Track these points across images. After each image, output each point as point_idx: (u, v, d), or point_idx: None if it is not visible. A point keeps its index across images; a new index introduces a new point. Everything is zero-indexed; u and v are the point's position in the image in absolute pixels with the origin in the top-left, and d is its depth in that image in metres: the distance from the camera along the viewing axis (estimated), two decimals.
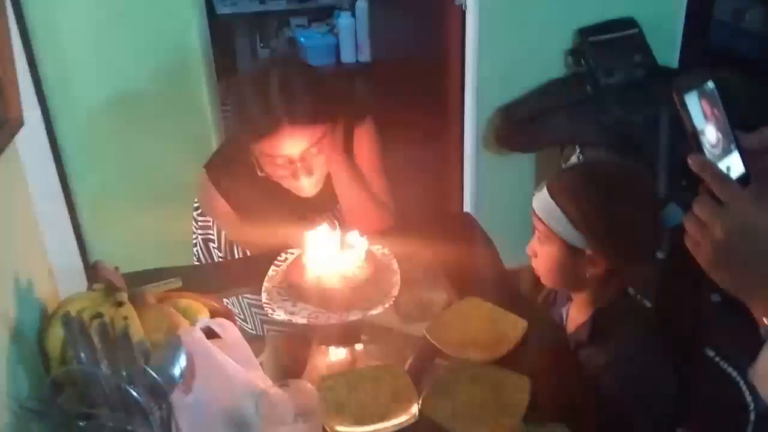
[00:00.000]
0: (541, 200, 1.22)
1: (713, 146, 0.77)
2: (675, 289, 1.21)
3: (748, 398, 1.14)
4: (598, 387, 1.15)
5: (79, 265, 2.20)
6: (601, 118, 2.30)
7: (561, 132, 2.35)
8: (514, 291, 1.41)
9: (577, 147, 2.35)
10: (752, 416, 1.14)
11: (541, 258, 1.26)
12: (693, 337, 1.22)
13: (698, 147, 0.77)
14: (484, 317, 1.26)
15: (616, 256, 1.19)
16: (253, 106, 1.36)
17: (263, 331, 1.59)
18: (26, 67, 1.98)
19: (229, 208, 1.54)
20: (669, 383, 1.17)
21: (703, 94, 0.78)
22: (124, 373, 0.85)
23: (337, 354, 1.28)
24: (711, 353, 1.31)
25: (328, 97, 1.40)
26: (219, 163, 1.57)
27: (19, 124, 1.06)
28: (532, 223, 1.28)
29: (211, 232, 1.68)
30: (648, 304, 1.30)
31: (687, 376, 1.19)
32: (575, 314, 1.31)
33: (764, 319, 0.70)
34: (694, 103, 0.77)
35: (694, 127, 0.76)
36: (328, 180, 1.54)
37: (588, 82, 2.34)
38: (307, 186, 1.46)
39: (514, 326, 1.22)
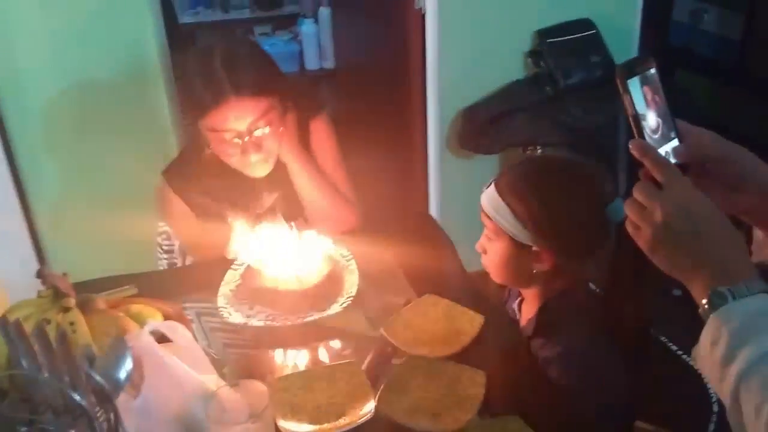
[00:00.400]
0: (489, 196, 1.22)
1: (653, 131, 0.79)
2: (622, 283, 1.19)
3: (711, 390, 1.13)
4: (547, 380, 1.15)
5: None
6: (561, 119, 2.33)
7: (522, 133, 2.37)
8: (471, 288, 1.42)
9: (538, 148, 2.37)
10: (715, 407, 1.14)
11: (490, 254, 1.25)
12: (643, 329, 1.21)
13: (639, 132, 0.78)
14: (441, 314, 1.26)
15: (561, 252, 1.19)
16: (198, 80, 1.36)
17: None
18: None
19: (186, 209, 1.52)
20: (618, 376, 1.16)
21: (645, 80, 0.79)
22: (67, 378, 0.83)
23: (297, 357, 1.27)
24: (673, 347, 1.31)
25: (272, 71, 1.41)
26: (175, 167, 1.57)
27: None
28: None
29: (176, 257, 1.66)
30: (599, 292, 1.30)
31: (641, 368, 1.19)
32: (525, 309, 1.31)
33: (702, 300, 0.71)
34: (636, 88, 0.78)
35: (635, 111, 0.77)
36: (288, 179, 1.53)
37: (547, 84, 2.36)
38: (257, 164, 1.43)
39: (471, 322, 1.22)
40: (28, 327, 1.00)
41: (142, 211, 1.72)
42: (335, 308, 1.28)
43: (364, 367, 1.18)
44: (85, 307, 1.09)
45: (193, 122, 1.41)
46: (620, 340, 1.19)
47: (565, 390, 1.12)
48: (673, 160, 0.78)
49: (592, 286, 1.31)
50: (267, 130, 1.39)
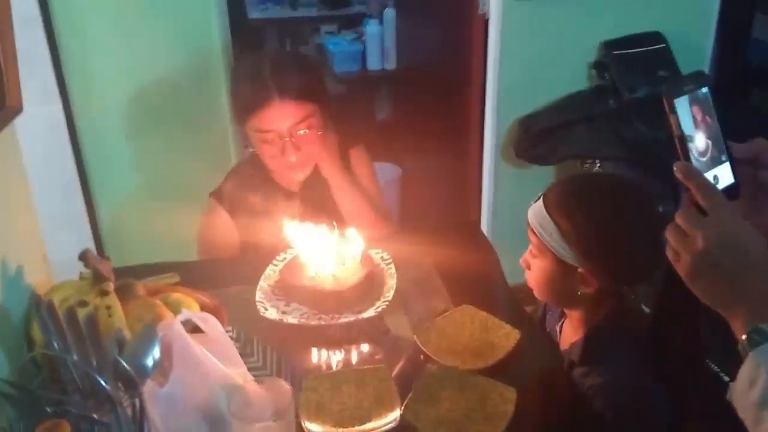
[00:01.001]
0: (536, 211, 1.18)
1: (701, 154, 0.75)
2: (672, 309, 1.12)
3: None
4: (590, 408, 1.11)
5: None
6: (623, 133, 2.26)
7: (581, 146, 2.31)
8: (511, 301, 1.38)
9: (597, 162, 2.31)
10: None
11: (534, 271, 1.21)
12: (693, 356, 1.16)
13: (685, 154, 0.74)
14: (477, 326, 1.24)
15: (609, 276, 1.14)
16: (247, 83, 1.47)
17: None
18: (50, 63, 2.01)
19: (232, 224, 1.60)
20: (662, 406, 1.12)
21: (695, 100, 0.75)
22: (94, 362, 0.84)
23: (328, 357, 1.27)
24: (715, 367, 1.32)
25: (316, 80, 1.52)
26: (221, 185, 1.65)
27: (18, 110, 1.08)
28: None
29: None
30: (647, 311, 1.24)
31: (685, 391, 1.13)
32: (569, 331, 1.26)
33: (742, 336, 0.67)
34: (684, 108, 0.74)
35: (681, 132, 0.74)
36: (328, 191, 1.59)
37: (611, 96, 2.30)
38: (295, 166, 1.50)
39: (507, 336, 1.19)
40: (66, 309, 1.03)
41: (196, 208, 1.75)
42: (370, 312, 1.27)
43: (394, 373, 1.16)
44: (123, 292, 1.11)
45: (240, 124, 1.51)
46: (668, 366, 1.13)
47: (609, 421, 1.08)
48: (722, 185, 0.73)
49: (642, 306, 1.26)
50: (306, 132, 1.47)
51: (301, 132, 1.47)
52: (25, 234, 1.16)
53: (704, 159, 0.73)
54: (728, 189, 0.73)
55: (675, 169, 0.72)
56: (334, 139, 1.58)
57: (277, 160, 1.49)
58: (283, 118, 1.44)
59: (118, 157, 2.23)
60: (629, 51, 2.32)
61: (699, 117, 0.74)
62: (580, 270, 1.13)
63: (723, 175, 0.75)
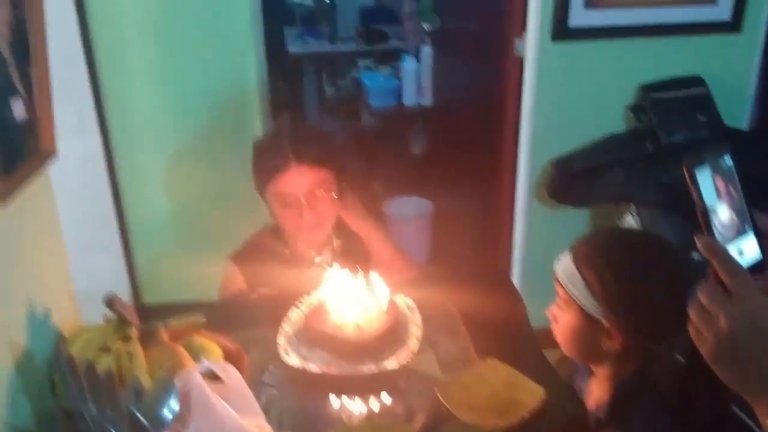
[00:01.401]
0: (564, 263, 1.16)
1: (725, 227, 0.72)
2: (701, 366, 1.09)
3: None
4: None
5: (128, 289, 2.25)
6: (660, 178, 2.21)
7: (616, 189, 2.27)
8: (538, 355, 1.35)
9: (632, 206, 2.26)
10: None
11: (560, 324, 1.19)
12: (723, 409, 1.08)
13: (707, 226, 0.71)
14: (501, 381, 1.21)
15: (634, 333, 1.11)
16: (268, 152, 1.59)
17: None
18: (91, 96, 2.06)
19: (243, 283, 1.66)
20: None
21: (717, 169, 0.73)
22: (110, 413, 0.84)
23: (350, 405, 1.25)
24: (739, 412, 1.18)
25: (330, 150, 1.66)
26: (240, 250, 1.72)
27: (51, 154, 1.10)
28: None
29: None
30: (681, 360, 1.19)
31: None
32: (596, 390, 1.23)
33: (767, 422, 0.64)
34: (706, 178, 0.72)
35: (704, 204, 0.71)
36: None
37: (648, 140, 2.26)
38: (312, 225, 1.58)
39: (532, 394, 1.16)
40: (90, 352, 1.04)
41: (230, 241, 1.77)
42: (393, 363, 1.25)
43: (415, 429, 1.14)
44: (147, 337, 1.11)
45: (261, 192, 1.61)
46: (696, 419, 1.07)
47: None
48: (747, 259, 0.71)
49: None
50: (322, 196, 1.57)
51: (317, 199, 1.56)
52: (54, 276, 1.18)
53: (728, 231, 0.71)
54: (754, 265, 0.71)
55: (697, 243, 0.69)
56: (354, 198, 1.68)
57: (295, 222, 1.57)
58: (300, 181, 1.55)
59: (154, 189, 2.27)
60: (668, 94, 2.29)
61: (722, 187, 0.72)
62: (605, 324, 1.12)
63: (748, 249, 0.72)
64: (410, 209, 3.29)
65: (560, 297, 1.19)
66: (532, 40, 2.28)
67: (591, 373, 1.25)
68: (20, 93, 1.00)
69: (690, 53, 2.35)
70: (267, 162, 1.58)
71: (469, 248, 3.02)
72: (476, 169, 2.83)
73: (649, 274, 1.10)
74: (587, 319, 1.13)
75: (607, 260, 1.11)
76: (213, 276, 1.76)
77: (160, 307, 1.51)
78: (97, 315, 1.32)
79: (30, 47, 1.04)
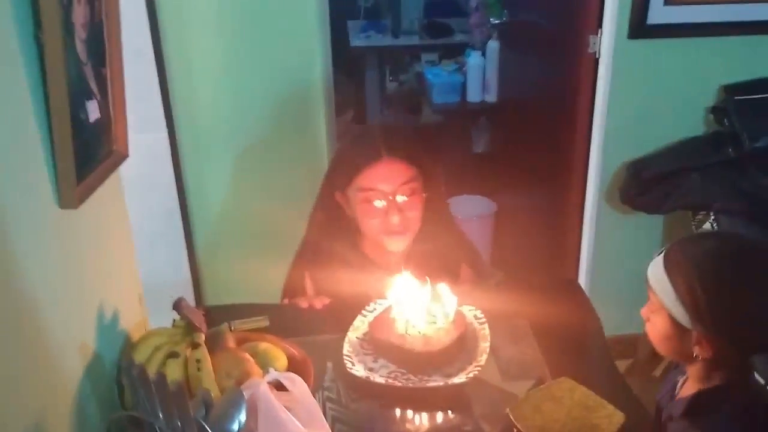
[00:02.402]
0: (655, 268, 1.12)
1: None
2: None
3: None
4: None
5: (189, 286, 2.27)
6: (741, 185, 2.09)
7: (694, 196, 2.16)
8: (614, 374, 1.28)
9: (711, 214, 2.15)
10: None
11: (652, 326, 1.16)
12: None
13: None
14: (575, 402, 1.15)
15: (728, 344, 1.07)
16: (355, 147, 1.56)
17: None
18: (159, 94, 2.07)
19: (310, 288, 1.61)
20: None
21: None
22: (179, 424, 0.83)
23: (415, 419, 1.21)
24: None
25: (419, 147, 1.57)
26: (307, 251, 1.64)
27: (124, 156, 1.09)
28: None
29: None
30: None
31: None
32: (686, 387, 1.19)
33: None
34: None
35: None
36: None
37: (730, 144, 2.13)
38: (397, 229, 1.49)
39: (610, 418, 1.10)
40: (158, 357, 1.03)
41: (291, 238, 1.75)
42: (461, 377, 1.21)
43: None
44: (213, 342, 1.10)
45: (342, 187, 1.53)
46: None
47: None
48: None
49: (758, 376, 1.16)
50: (409, 197, 1.49)
51: (404, 198, 1.48)
52: (123, 278, 1.17)
53: None
54: None
55: None
56: (442, 202, 1.64)
57: (378, 222, 1.50)
58: (390, 176, 1.47)
59: (218, 187, 2.27)
60: (752, 97, 2.16)
61: None
62: (695, 333, 1.08)
63: None
64: (472, 209, 3.22)
65: (651, 300, 1.15)
66: (608, 37, 2.18)
67: (685, 372, 1.20)
68: (95, 95, 0.99)
69: None
70: (356, 155, 1.52)
71: (532, 252, 2.94)
72: (543, 170, 2.75)
73: (743, 283, 1.06)
74: (677, 327, 1.10)
75: (698, 267, 1.07)
76: (275, 277, 1.75)
77: (221, 308, 1.50)
78: (160, 315, 1.33)
79: (105, 48, 1.03)
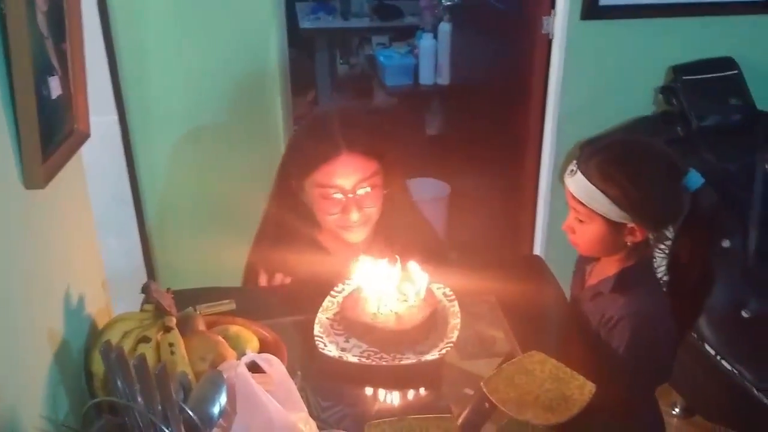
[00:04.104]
0: (579, 184, 1.29)
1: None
2: (692, 242, 1.35)
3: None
4: (611, 334, 1.31)
5: (142, 272, 2.21)
6: (690, 163, 2.15)
7: None
8: (582, 345, 1.32)
9: None
10: None
11: (584, 234, 1.34)
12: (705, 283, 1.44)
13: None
14: (547, 375, 1.17)
15: (655, 224, 1.32)
16: (313, 138, 1.45)
17: None
18: (107, 69, 2.00)
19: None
20: (673, 339, 1.35)
21: None
22: (160, 409, 0.80)
23: (389, 397, 1.21)
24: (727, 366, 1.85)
25: (384, 136, 1.52)
26: (267, 231, 1.58)
27: (86, 135, 1.05)
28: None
29: None
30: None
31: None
32: (601, 269, 1.41)
33: None
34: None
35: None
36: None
37: (679, 123, 2.20)
38: (355, 226, 1.45)
39: (581, 389, 1.12)
40: (128, 342, 1.00)
41: (249, 225, 1.72)
42: (434, 354, 1.21)
43: (459, 421, 1.10)
44: (184, 325, 1.07)
45: (300, 179, 1.45)
46: (680, 298, 1.38)
47: (629, 343, 1.28)
48: None
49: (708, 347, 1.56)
50: (369, 190, 1.43)
51: (363, 191, 1.42)
52: (87, 263, 1.13)
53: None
54: None
55: None
56: (402, 185, 1.58)
57: (337, 218, 1.44)
58: (350, 172, 1.40)
59: (171, 169, 2.22)
60: (700, 77, 2.23)
61: None
62: (629, 225, 1.30)
63: None
64: (425, 191, 3.23)
65: (578, 212, 1.33)
66: (562, 17, 2.21)
67: (596, 258, 1.44)
68: (57, 70, 0.95)
69: (722, 34, 2.29)
70: (312, 147, 1.43)
71: (486, 232, 2.97)
72: (497, 152, 2.78)
73: (658, 173, 1.29)
74: (613, 225, 1.30)
75: (623, 171, 1.26)
76: (232, 261, 1.72)
77: (184, 292, 1.46)
78: (116, 303, 1.29)
79: (65, 21, 0.99)
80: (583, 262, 1.49)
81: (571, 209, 1.35)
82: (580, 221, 1.33)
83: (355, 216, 1.42)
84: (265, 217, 1.60)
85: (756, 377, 1.90)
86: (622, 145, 1.38)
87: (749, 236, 2.08)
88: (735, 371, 1.94)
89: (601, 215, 1.29)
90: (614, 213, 1.28)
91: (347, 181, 1.40)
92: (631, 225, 1.29)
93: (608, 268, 1.38)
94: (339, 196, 1.42)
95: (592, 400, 1.08)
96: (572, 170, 1.32)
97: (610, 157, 1.30)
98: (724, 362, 1.97)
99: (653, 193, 1.28)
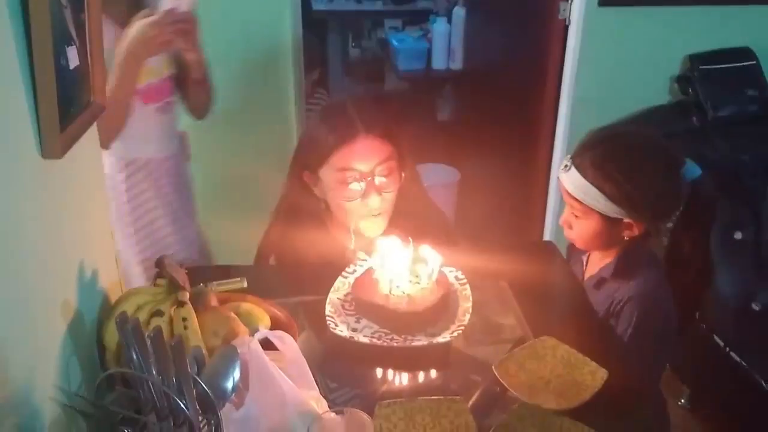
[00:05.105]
0: (574, 180, 1.28)
1: None
2: (691, 232, 1.35)
3: None
4: (618, 317, 1.31)
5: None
6: (704, 153, 2.14)
7: None
8: (596, 330, 1.31)
9: None
10: None
11: (580, 230, 1.34)
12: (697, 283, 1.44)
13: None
14: (559, 360, 1.17)
15: (651, 219, 1.30)
16: (328, 125, 1.43)
17: None
18: None
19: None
20: (675, 320, 1.34)
21: None
22: (174, 382, 0.80)
23: (400, 379, 1.21)
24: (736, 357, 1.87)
25: (396, 122, 1.50)
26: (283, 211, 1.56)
27: (103, 107, 1.04)
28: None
29: None
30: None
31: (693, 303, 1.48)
32: (598, 259, 1.41)
33: None
34: None
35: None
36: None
37: (694, 113, 2.19)
38: (376, 210, 1.43)
39: (593, 375, 1.12)
40: (142, 316, 1.00)
41: (260, 202, 1.71)
42: (446, 336, 1.21)
43: (470, 404, 1.10)
44: (197, 301, 1.07)
45: (316, 167, 1.43)
46: (679, 289, 1.35)
47: (636, 328, 1.29)
48: None
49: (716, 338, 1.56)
50: (385, 179, 1.42)
51: (383, 179, 1.41)
52: (100, 236, 1.13)
53: None
54: None
55: None
56: (414, 172, 1.58)
57: (356, 204, 1.42)
58: (368, 155, 1.39)
59: None
60: (717, 66, 2.21)
61: None
62: (626, 221, 1.29)
63: None
64: (435, 177, 3.22)
65: (575, 208, 1.32)
66: (579, 4, 2.19)
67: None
68: (74, 41, 0.94)
69: (740, 23, 2.27)
70: (328, 132, 1.41)
71: (495, 220, 2.96)
72: (509, 138, 2.76)
73: (656, 167, 1.27)
74: (607, 221, 1.29)
75: (619, 168, 1.25)
76: (244, 239, 1.72)
77: (196, 269, 1.46)
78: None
79: None
80: (579, 252, 1.49)
81: (567, 205, 1.34)
82: (577, 217, 1.33)
83: (375, 202, 1.40)
84: (279, 204, 1.59)
85: (765, 370, 1.90)
86: (615, 140, 1.35)
87: (762, 228, 2.07)
88: (744, 363, 1.93)
89: (597, 211, 1.28)
90: (610, 209, 1.27)
91: (365, 165, 1.39)
92: (627, 220, 1.28)
93: (606, 254, 1.39)
94: (356, 186, 1.40)
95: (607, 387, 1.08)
96: (566, 165, 1.30)
97: (603, 152, 1.28)
98: (733, 354, 1.96)
99: (649, 188, 1.26)
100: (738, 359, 1.95)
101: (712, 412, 2.23)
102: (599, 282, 1.37)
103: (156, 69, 1.61)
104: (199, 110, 1.74)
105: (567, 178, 1.30)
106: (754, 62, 2.23)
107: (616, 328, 1.34)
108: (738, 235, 2.09)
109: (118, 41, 1.46)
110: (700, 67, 2.21)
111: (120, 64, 1.45)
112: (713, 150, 2.13)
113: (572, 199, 1.30)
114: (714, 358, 2.01)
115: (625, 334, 1.31)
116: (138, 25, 1.45)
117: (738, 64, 2.22)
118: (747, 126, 2.15)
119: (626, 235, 1.30)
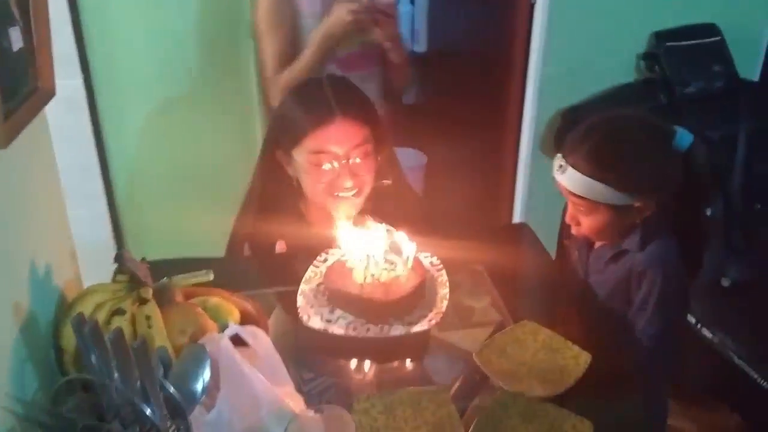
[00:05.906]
0: (574, 180, 1.24)
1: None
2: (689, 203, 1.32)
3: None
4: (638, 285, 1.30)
5: (111, 244, 2.13)
6: None
7: None
8: (575, 314, 1.28)
9: None
10: None
11: (591, 225, 1.30)
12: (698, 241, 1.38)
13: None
14: (540, 345, 1.14)
15: (659, 195, 1.27)
16: (303, 105, 1.38)
17: None
18: (72, 34, 1.89)
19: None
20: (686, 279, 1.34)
21: None
22: (139, 386, 0.75)
23: (378, 370, 1.17)
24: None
25: (371, 105, 1.44)
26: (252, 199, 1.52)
27: (51, 94, 0.97)
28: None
29: None
30: None
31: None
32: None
33: None
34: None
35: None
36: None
37: (661, 90, 2.18)
38: (348, 189, 1.38)
39: (576, 359, 1.09)
40: (101, 315, 0.94)
41: (222, 192, 1.65)
42: (423, 324, 1.17)
43: (451, 393, 1.06)
44: (161, 297, 1.01)
45: (289, 147, 1.38)
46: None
47: (660, 292, 1.27)
48: None
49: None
50: (360, 162, 1.38)
51: (357, 160, 1.36)
52: (55, 231, 1.06)
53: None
54: None
55: None
56: (391, 154, 1.56)
57: (330, 186, 1.38)
58: (343, 138, 1.34)
59: (140, 134, 2.12)
60: (682, 43, 2.20)
61: None
62: (636, 205, 1.26)
63: None
64: (402, 161, 3.15)
65: (582, 206, 1.28)
66: None
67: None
68: (17, 21, 0.86)
69: (705, 0, 2.26)
70: (303, 114, 1.36)
71: (464, 202, 2.93)
72: (476, 120, 2.73)
73: (654, 147, 1.25)
74: (618, 210, 1.26)
75: (615, 155, 1.23)
76: (206, 230, 1.65)
77: (158, 263, 1.39)
78: (87, 274, 1.21)
79: None
80: (579, 242, 1.42)
81: (570, 203, 1.30)
82: (584, 214, 1.29)
83: (348, 182, 1.36)
84: (251, 188, 1.53)
85: (736, 345, 1.91)
86: (603, 128, 1.30)
87: (730, 204, 2.07)
88: (715, 340, 1.94)
89: (604, 203, 1.25)
90: (618, 198, 1.24)
91: (341, 148, 1.34)
92: (637, 204, 1.26)
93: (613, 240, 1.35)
94: (330, 166, 1.35)
95: (592, 372, 1.05)
96: (561, 166, 1.27)
97: (596, 143, 1.25)
98: (704, 330, 1.97)
99: (651, 166, 1.24)
100: (710, 336, 1.95)
101: (683, 386, 2.25)
102: (618, 254, 1.34)
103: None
104: (397, 90, 1.87)
105: (566, 179, 1.26)
106: (719, 38, 2.23)
107: (634, 293, 1.31)
108: (708, 212, 2.09)
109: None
110: (666, 44, 2.20)
111: (316, 40, 1.62)
112: (681, 126, 2.12)
113: (575, 197, 1.26)
114: (686, 336, 2.02)
115: (650, 296, 1.29)
116: (338, 10, 1.60)
117: (703, 41, 2.22)
118: (714, 102, 2.15)
119: (639, 217, 1.28)
